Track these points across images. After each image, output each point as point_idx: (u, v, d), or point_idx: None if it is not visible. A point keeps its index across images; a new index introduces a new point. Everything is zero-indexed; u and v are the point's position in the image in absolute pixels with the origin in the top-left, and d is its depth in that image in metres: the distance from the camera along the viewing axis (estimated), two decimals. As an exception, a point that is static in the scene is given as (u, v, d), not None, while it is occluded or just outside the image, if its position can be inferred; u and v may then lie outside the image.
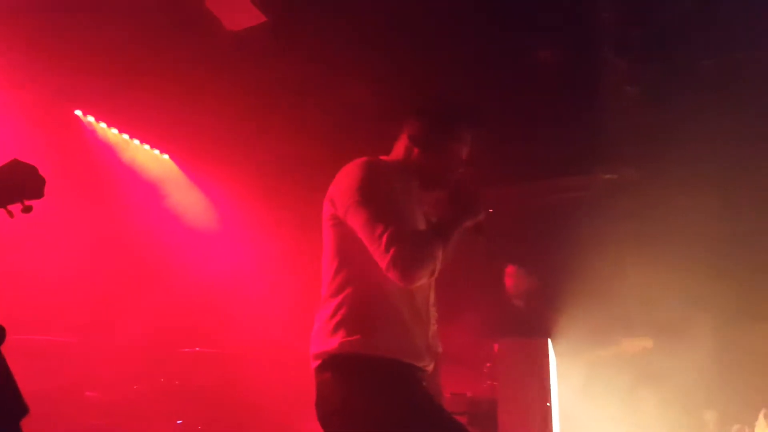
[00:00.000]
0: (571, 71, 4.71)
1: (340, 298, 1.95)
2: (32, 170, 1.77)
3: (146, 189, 6.25)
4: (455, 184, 2.04)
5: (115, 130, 6.08)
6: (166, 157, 6.63)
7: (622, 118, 4.98)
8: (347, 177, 1.97)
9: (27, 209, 1.76)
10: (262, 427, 5.26)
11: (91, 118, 5.87)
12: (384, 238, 1.79)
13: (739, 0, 3.99)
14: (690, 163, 4.93)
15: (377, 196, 1.89)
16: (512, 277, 4.91)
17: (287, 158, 5.77)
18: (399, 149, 2.15)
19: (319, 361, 1.95)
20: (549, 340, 3.50)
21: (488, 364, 4.21)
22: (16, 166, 1.75)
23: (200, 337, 5.48)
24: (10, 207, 1.75)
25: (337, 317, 1.92)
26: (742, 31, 4.13)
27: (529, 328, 4.49)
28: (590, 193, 5.87)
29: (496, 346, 4.34)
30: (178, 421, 5.05)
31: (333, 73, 4.82)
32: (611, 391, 4.43)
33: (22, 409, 1.63)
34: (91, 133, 5.89)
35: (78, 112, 5.78)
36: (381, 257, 1.81)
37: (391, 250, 1.78)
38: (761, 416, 4.23)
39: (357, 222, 1.88)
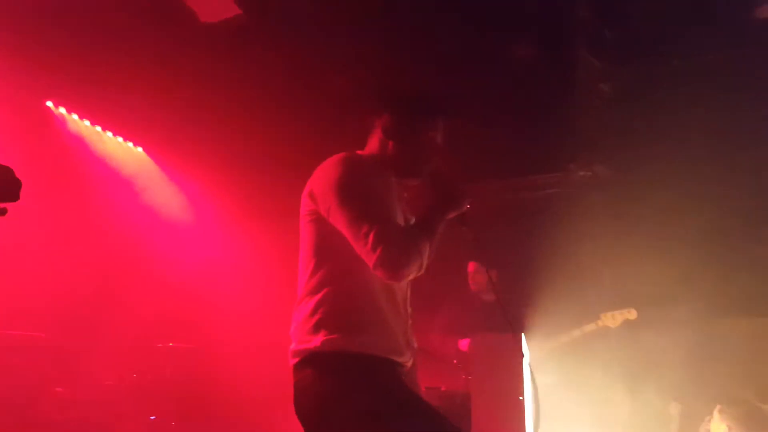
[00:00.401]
0: (545, 69, 4.74)
1: (320, 295, 1.94)
2: (8, 172, 1.72)
3: (119, 182, 6.16)
4: (434, 176, 2.04)
5: (87, 122, 5.98)
6: (139, 149, 6.55)
7: (596, 116, 5.03)
8: (327, 174, 1.96)
9: (1, 212, 1.71)
10: (235, 423, 5.25)
11: (62, 110, 5.77)
12: (370, 237, 1.79)
13: (711, 1, 4.06)
14: (663, 160, 5.01)
15: (359, 194, 1.89)
16: (471, 274, 4.97)
17: (263, 151, 5.73)
18: (374, 143, 2.14)
19: (297, 359, 1.94)
20: (522, 335, 3.53)
21: (455, 361, 4.25)
22: None
23: (173, 332, 5.44)
24: None
25: (318, 315, 1.92)
26: (714, 31, 4.19)
27: (502, 322, 4.52)
28: (564, 190, 5.93)
29: (462, 343, 4.39)
30: (151, 417, 5.01)
31: (310, 64, 4.79)
32: (583, 386, 4.48)
33: None
34: (63, 125, 5.79)
35: (49, 104, 5.68)
36: (368, 256, 1.81)
37: (378, 249, 1.78)
38: (715, 412, 4.28)
39: (341, 220, 1.88)
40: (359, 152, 2.14)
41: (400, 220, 2.01)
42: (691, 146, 4.84)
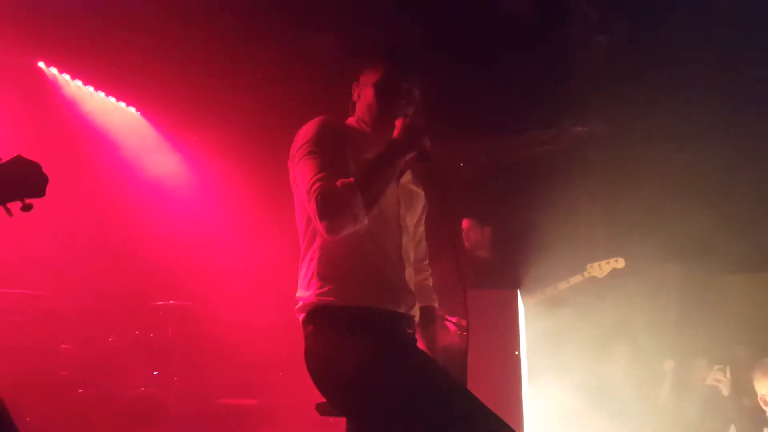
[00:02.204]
0: (538, 20, 4.68)
1: (311, 251, 1.99)
2: (36, 168, 1.74)
3: (114, 142, 6.14)
4: (397, 122, 2.01)
5: (79, 82, 5.92)
6: (132, 109, 6.50)
7: (592, 70, 4.99)
8: (297, 138, 2.01)
9: (27, 207, 1.74)
10: (237, 378, 5.36)
11: (54, 70, 5.71)
12: (309, 193, 1.84)
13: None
14: (660, 115, 5.00)
15: (314, 152, 1.92)
16: (465, 230, 4.98)
17: (258, 106, 5.69)
18: (359, 105, 2.17)
19: (302, 315, 1.99)
20: (518, 290, 3.59)
21: (455, 318, 4.31)
22: (19, 162, 1.72)
23: (174, 289, 5.50)
24: (9, 204, 1.73)
25: (311, 270, 1.97)
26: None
27: (497, 278, 4.59)
28: (559, 146, 5.93)
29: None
30: (154, 373, 5.12)
31: (311, 30, 4.74)
32: (577, 341, 4.55)
33: None
34: (55, 85, 5.74)
35: (41, 64, 5.61)
36: (310, 212, 1.86)
37: (311, 205, 1.82)
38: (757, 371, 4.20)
39: (299, 180, 1.93)
40: (347, 121, 2.18)
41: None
42: (689, 100, 4.82)
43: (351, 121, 2.18)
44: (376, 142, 2.03)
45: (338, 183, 1.83)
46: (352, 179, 1.85)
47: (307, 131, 1.99)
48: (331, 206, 1.81)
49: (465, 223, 5.00)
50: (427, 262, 2.33)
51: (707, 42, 4.50)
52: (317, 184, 1.83)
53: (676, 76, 4.81)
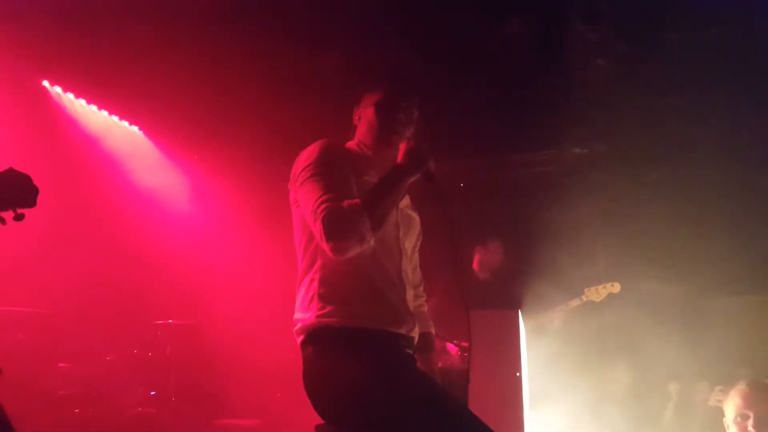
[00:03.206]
0: (540, 43, 4.71)
1: (311, 272, 1.99)
2: (26, 179, 1.82)
3: (116, 161, 6.16)
4: (402, 144, 2.03)
5: (83, 101, 5.96)
6: (135, 128, 6.53)
7: (592, 92, 5.01)
8: (299, 160, 2.03)
9: (19, 217, 1.82)
10: (235, 398, 5.32)
11: (58, 89, 5.74)
12: (315, 214, 1.84)
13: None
14: (660, 137, 5.01)
15: (318, 173, 1.93)
16: (488, 252, 4.97)
17: (261, 127, 5.72)
18: (361, 128, 2.21)
19: (301, 337, 1.98)
20: (519, 312, 3.58)
21: (454, 341, 4.29)
22: (10, 174, 1.80)
23: (173, 308, 5.48)
24: (2, 214, 1.81)
25: (311, 291, 1.96)
26: (710, 6, 4.18)
27: (498, 300, 4.57)
28: (560, 167, 5.94)
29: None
30: (152, 393, 5.08)
31: (313, 46, 4.77)
32: (579, 364, 4.52)
33: None
34: (59, 104, 5.77)
35: (45, 83, 5.65)
36: (315, 233, 1.86)
37: (318, 226, 1.82)
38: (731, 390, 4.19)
39: (302, 201, 1.94)
40: (347, 144, 2.20)
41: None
42: (689, 123, 4.84)
43: (351, 144, 2.20)
44: (377, 165, 2.06)
45: (344, 204, 1.83)
46: (358, 200, 1.86)
47: (310, 154, 2.00)
48: (338, 227, 1.81)
49: (489, 245, 4.99)
50: (422, 288, 2.33)
51: (708, 62, 4.53)
52: (324, 205, 1.83)
53: (677, 98, 4.83)
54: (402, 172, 1.95)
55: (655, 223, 5.06)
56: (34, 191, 1.83)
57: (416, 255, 2.26)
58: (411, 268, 2.21)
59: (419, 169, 1.96)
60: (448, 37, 4.68)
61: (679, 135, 4.99)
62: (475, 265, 5.02)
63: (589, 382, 4.52)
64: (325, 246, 1.83)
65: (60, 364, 4.73)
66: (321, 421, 1.95)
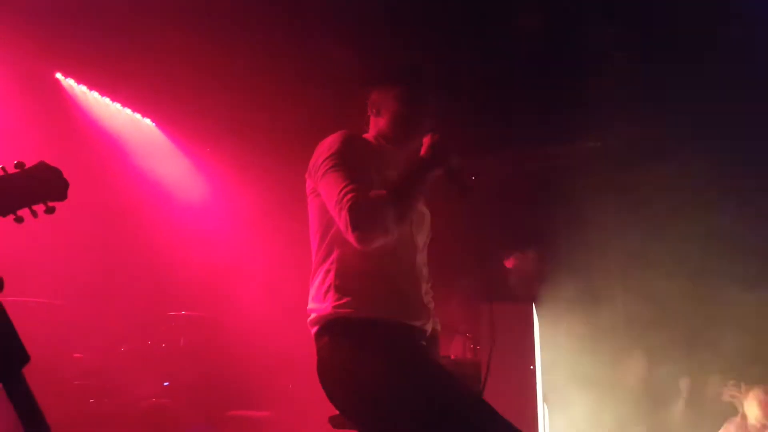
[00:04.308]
0: (556, 36, 4.68)
1: (327, 263, 1.99)
2: (57, 173, 1.87)
3: (128, 153, 6.18)
4: (424, 139, 2.02)
5: (96, 94, 5.98)
6: (148, 121, 6.55)
7: (608, 85, 4.97)
8: (317, 151, 2.02)
9: (50, 210, 1.86)
10: (248, 390, 5.33)
11: (71, 81, 5.77)
12: (340, 204, 1.83)
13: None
14: (676, 131, 4.96)
15: (341, 164, 1.92)
16: (525, 260, 4.98)
17: (275, 125, 5.72)
18: (371, 123, 2.21)
19: (316, 327, 1.98)
20: (533, 305, 3.56)
21: (467, 334, 4.28)
22: (42, 168, 1.84)
23: (187, 300, 5.50)
24: (34, 207, 1.84)
25: (327, 282, 1.96)
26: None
27: (514, 292, 4.57)
28: (575, 161, 5.90)
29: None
30: (165, 383, 5.10)
31: (326, 39, 4.76)
32: (593, 358, 4.52)
33: (24, 357, 1.70)
34: (72, 96, 5.79)
35: (59, 75, 5.67)
36: (339, 223, 1.85)
37: (343, 215, 1.81)
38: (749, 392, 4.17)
39: (323, 191, 1.93)
40: (364, 135, 2.19)
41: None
42: (704, 116, 4.79)
43: (368, 136, 2.19)
44: (396, 158, 2.06)
45: (371, 194, 1.83)
46: (384, 192, 1.85)
47: (331, 144, 1.99)
48: (364, 217, 1.81)
49: (528, 254, 5.00)
50: (430, 285, 2.32)
51: (722, 59, 4.48)
52: (349, 195, 1.82)
53: (693, 91, 4.78)
54: (425, 166, 1.94)
55: (667, 216, 5.02)
56: (64, 185, 1.87)
57: (425, 251, 2.25)
58: (423, 263, 2.20)
59: (442, 163, 1.95)
60: (462, 33, 4.66)
61: (695, 128, 4.94)
62: (509, 264, 5.01)
63: (602, 375, 4.51)
64: (350, 236, 1.82)
65: (75, 355, 4.76)
66: (334, 412, 1.95)
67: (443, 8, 4.40)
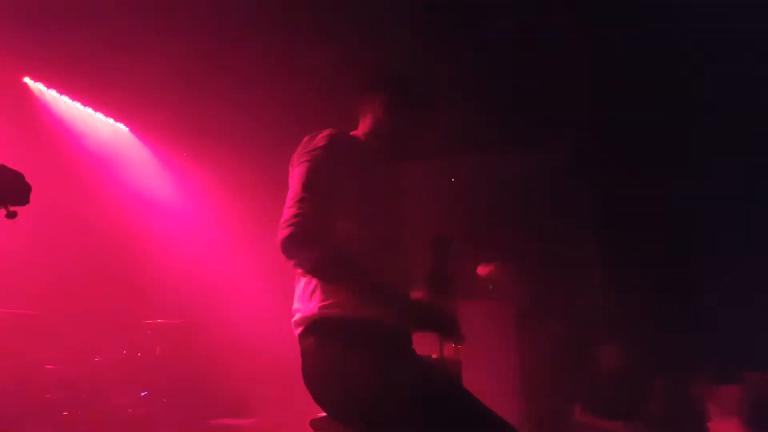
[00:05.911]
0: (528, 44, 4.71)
1: None
2: (18, 176, 1.79)
3: (101, 158, 6.09)
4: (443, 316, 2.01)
5: (66, 98, 5.88)
6: (121, 126, 6.46)
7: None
8: (302, 144, 2.01)
9: (11, 215, 1.78)
10: (226, 398, 5.27)
11: (41, 86, 5.66)
12: (287, 221, 1.82)
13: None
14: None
15: (310, 171, 1.91)
16: (503, 272, 4.96)
17: (254, 129, 5.67)
18: (366, 122, 2.18)
19: (301, 328, 1.95)
20: (512, 303, 3.57)
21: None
22: (2, 171, 1.76)
23: (162, 308, 5.42)
24: None
25: (313, 282, 1.94)
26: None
27: (492, 291, 4.57)
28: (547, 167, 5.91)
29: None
30: (143, 393, 5.02)
31: (302, 40, 4.73)
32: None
33: None
34: (41, 101, 5.69)
35: (27, 80, 5.57)
36: (279, 228, 1.83)
37: (280, 233, 1.81)
38: None
39: (289, 186, 1.94)
40: (353, 132, 2.17)
41: (379, 196, 2.02)
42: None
43: (357, 133, 2.19)
44: (379, 157, 2.09)
45: (314, 227, 1.81)
46: (345, 254, 1.85)
47: (315, 145, 1.97)
48: (294, 246, 1.81)
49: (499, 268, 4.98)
50: (415, 284, 2.32)
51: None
52: (295, 220, 1.81)
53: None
54: (401, 314, 1.92)
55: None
56: (26, 189, 1.79)
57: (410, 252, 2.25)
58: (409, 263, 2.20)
59: (426, 328, 1.97)
60: (435, 35, 4.67)
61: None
62: (480, 272, 4.99)
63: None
64: (278, 243, 1.82)
65: (47, 366, 4.66)
66: (315, 416, 1.94)
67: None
